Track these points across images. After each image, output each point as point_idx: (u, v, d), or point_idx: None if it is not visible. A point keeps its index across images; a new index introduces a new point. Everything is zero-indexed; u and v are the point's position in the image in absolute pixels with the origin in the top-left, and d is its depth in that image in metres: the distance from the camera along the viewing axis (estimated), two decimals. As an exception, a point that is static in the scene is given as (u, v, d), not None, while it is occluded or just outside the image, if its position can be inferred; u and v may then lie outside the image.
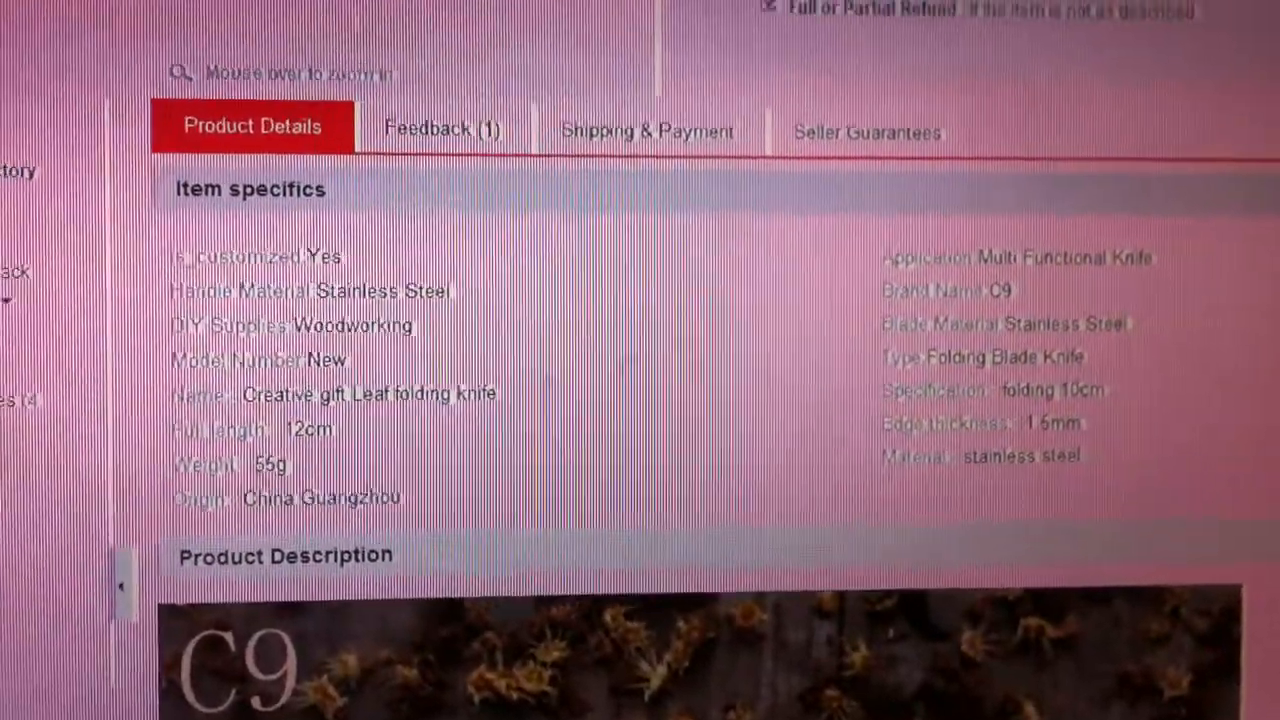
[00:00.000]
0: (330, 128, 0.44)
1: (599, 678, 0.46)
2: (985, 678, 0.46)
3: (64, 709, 0.43)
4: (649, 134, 0.44)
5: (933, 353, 0.46)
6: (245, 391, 0.44)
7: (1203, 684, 0.47)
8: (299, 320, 0.44)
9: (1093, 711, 0.47)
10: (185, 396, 0.44)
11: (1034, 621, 0.46)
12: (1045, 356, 0.46)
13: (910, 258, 0.46)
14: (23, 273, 0.43)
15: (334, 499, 0.44)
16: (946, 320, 0.46)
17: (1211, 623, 0.47)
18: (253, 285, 0.44)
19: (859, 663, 0.46)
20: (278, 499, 0.44)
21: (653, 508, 0.45)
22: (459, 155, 0.44)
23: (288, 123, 0.44)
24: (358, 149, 0.44)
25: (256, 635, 0.44)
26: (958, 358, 0.46)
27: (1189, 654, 0.47)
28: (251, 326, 0.44)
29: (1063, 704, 0.47)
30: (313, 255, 0.44)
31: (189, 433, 0.44)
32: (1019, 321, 0.46)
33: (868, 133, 0.45)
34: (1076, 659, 0.47)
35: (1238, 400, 0.46)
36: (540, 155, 0.44)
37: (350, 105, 0.44)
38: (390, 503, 0.44)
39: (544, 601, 0.45)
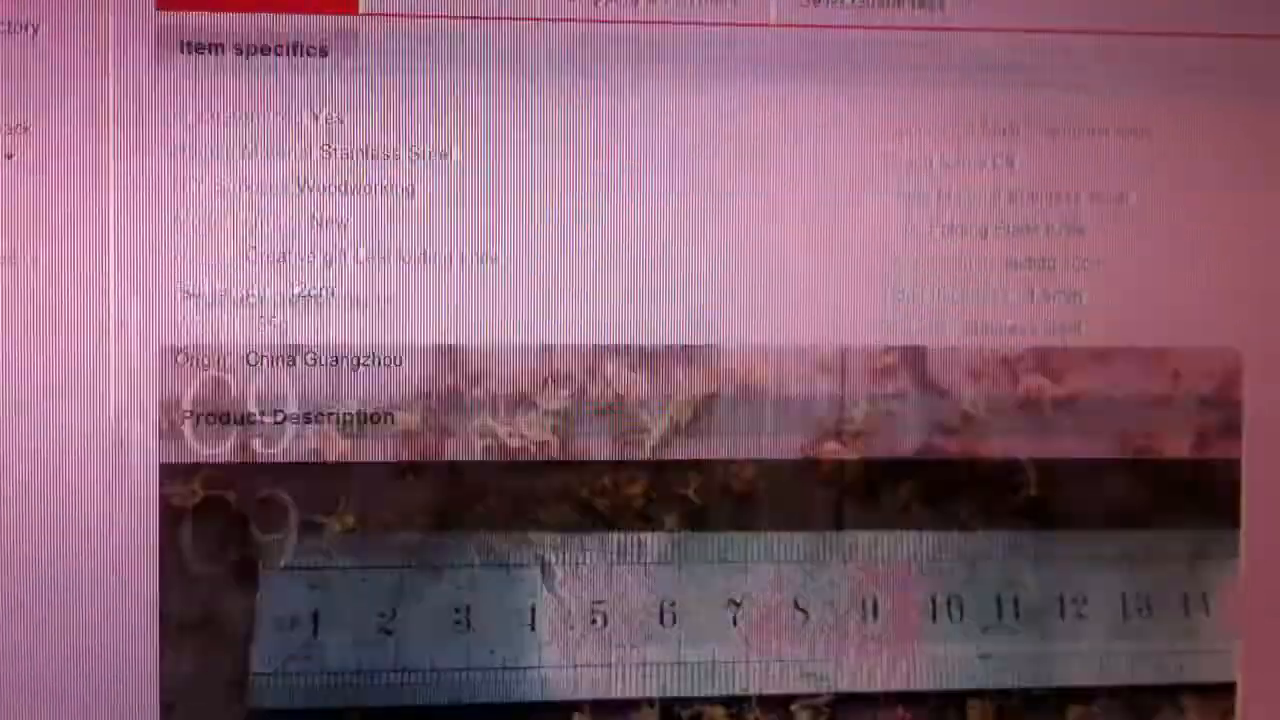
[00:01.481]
0: (335, -12, 0.44)
1: (601, 427, 0.46)
2: (985, 435, 0.47)
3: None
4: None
5: (935, 225, 0.46)
6: (246, 253, 0.44)
7: (1203, 447, 0.47)
8: (301, 181, 0.44)
9: (1091, 471, 0.47)
10: (186, 256, 0.43)
11: (1035, 380, 0.46)
12: (1047, 230, 0.46)
13: (914, 130, 0.46)
14: (25, 129, 0.43)
15: (335, 361, 0.44)
16: (950, 193, 0.46)
17: (1214, 385, 0.47)
18: (255, 146, 0.44)
19: (859, 418, 0.46)
20: (280, 360, 0.44)
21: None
22: (463, 19, 0.44)
23: (293, -18, 0.44)
24: (362, 10, 0.44)
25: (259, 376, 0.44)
26: (960, 230, 0.46)
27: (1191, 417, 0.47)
28: (254, 187, 0.44)
29: (1062, 463, 0.47)
30: (315, 117, 0.44)
31: (190, 292, 0.43)
32: (1021, 193, 0.46)
33: (873, 1, 0.45)
34: (1077, 417, 0.47)
35: (1235, 274, 0.47)
36: (545, 19, 0.44)
37: (355, -35, 0.44)
38: (391, 366, 0.44)
39: (546, 351, 0.45)
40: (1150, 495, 0.47)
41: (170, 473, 0.44)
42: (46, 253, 0.43)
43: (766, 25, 0.45)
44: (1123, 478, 0.47)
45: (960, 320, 0.46)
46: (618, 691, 0.45)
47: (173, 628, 0.44)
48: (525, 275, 0.45)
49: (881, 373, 0.46)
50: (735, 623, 0.46)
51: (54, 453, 0.43)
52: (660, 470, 0.46)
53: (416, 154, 0.44)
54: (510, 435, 0.45)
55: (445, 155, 0.44)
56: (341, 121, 0.44)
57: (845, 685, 0.46)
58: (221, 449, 0.44)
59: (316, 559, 0.45)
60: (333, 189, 0.44)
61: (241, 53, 0.44)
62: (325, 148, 0.44)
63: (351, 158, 0.44)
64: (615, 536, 0.46)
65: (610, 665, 0.45)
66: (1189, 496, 0.48)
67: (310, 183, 0.44)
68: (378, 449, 0.45)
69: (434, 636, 0.45)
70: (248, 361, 0.44)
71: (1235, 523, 0.47)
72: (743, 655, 0.46)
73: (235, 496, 0.44)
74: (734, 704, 0.46)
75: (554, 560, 0.45)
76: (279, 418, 0.44)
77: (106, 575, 0.44)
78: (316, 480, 0.45)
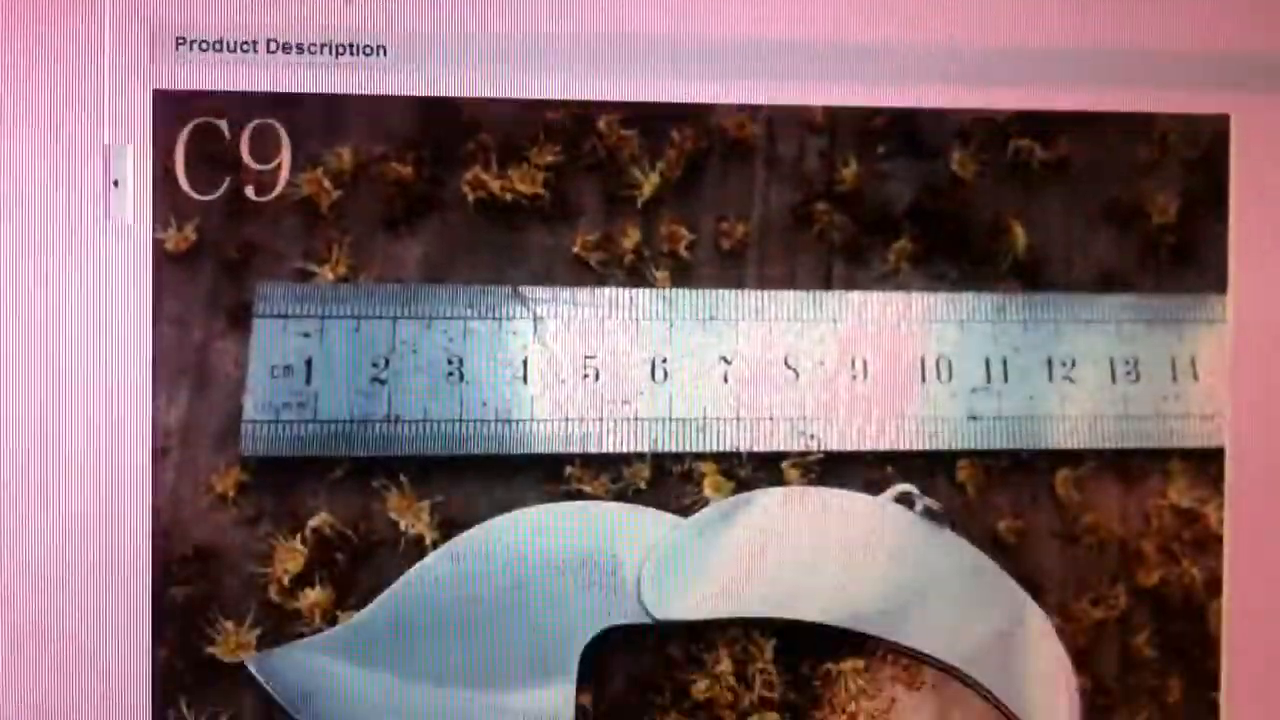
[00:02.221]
0: None
1: (592, 183, 0.46)
2: (974, 197, 0.47)
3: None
4: None
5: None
6: None
7: (1190, 212, 0.48)
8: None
9: (1080, 235, 0.47)
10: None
11: (1025, 143, 0.47)
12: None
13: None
14: None
15: (328, 107, 0.44)
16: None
17: (1201, 151, 0.47)
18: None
19: (850, 178, 0.46)
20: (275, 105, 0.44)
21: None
22: None
23: None
24: None
25: (251, 125, 0.44)
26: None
27: (1178, 181, 0.48)
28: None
29: (1051, 226, 0.47)
30: None
31: (184, 38, 0.44)
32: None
33: None
34: (1066, 181, 0.47)
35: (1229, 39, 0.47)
36: None
37: None
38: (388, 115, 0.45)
39: (538, 105, 0.45)
40: (1138, 259, 0.48)
41: (163, 217, 0.44)
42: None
43: None
44: (1111, 241, 0.48)
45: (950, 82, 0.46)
46: (609, 445, 0.46)
47: (165, 375, 0.44)
48: (518, 31, 0.45)
49: (871, 134, 0.47)
50: (726, 380, 0.46)
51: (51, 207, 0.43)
52: (652, 226, 0.46)
53: None
54: (502, 188, 0.46)
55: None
56: None
57: (835, 444, 0.46)
58: (214, 195, 0.44)
59: (309, 307, 0.45)
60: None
61: None
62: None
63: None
64: (607, 291, 0.46)
65: (602, 419, 0.46)
66: (1177, 261, 0.48)
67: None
68: (371, 194, 0.45)
69: (427, 387, 0.45)
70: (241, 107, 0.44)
71: (1222, 288, 0.48)
72: (733, 412, 0.46)
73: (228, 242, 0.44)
74: (725, 460, 0.46)
75: (546, 314, 0.46)
76: (273, 164, 0.44)
77: (99, 321, 0.44)
78: (309, 228, 0.45)
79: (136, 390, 0.44)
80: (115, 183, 0.44)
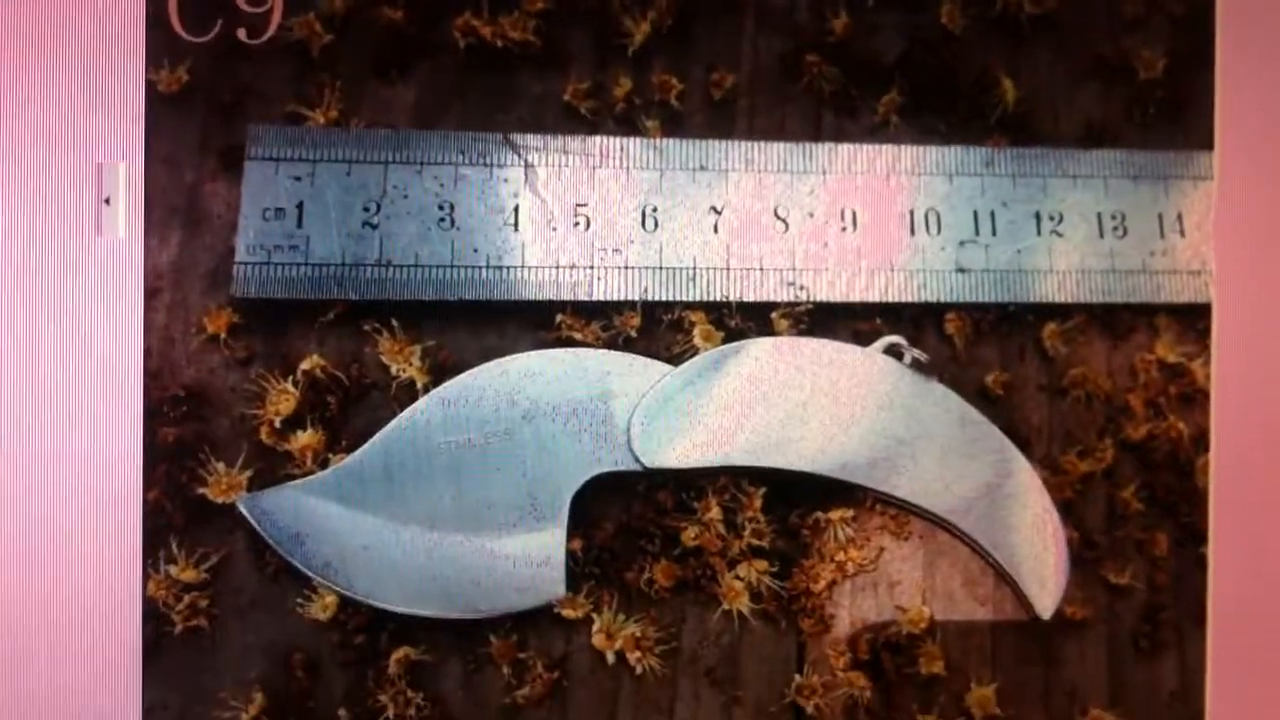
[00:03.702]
0: None
1: (583, 31, 0.46)
2: (963, 50, 0.47)
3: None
4: None
5: None
6: None
7: (1177, 69, 0.48)
8: None
9: (1068, 90, 0.47)
10: None
11: None
12: None
13: None
14: None
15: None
16: None
17: (1187, 7, 0.48)
18: None
19: (840, 29, 0.47)
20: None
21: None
22: None
23: None
24: None
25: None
26: None
27: (1165, 38, 0.48)
28: None
29: (1039, 81, 0.47)
30: None
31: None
32: None
33: None
34: (1055, 36, 0.47)
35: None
36: None
37: None
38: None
39: None
40: (1126, 115, 0.48)
41: (155, 58, 0.44)
42: None
43: None
44: (1098, 97, 0.48)
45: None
46: (600, 293, 0.46)
47: (157, 216, 0.44)
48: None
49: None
50: (716, 230, 0.46)
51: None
52: (643, 75, 0.47)
53: None
54: (493, 35, 0.46)
55: None
56: None
57: (824, 295, 0.47)
58: (206, 37, 0.45)
59: (301, 151, 0.45)
60: None
61: None
62: None
63: None
64: (598, 140, 0.46)
65: (593, 267, 0.46)
66: (1164, 117, 0.48)
67: None
68: (363, 39, 0.45)
69: (418, 232, 0.45)
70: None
71: (1209, 144, 0.48)
72: (723, 262, 0.46)
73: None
74: (714, 310, 0.46)
75: (537, 162, 0.46)
76: (266, 7, 0.45)
77: (92, 161, 0.44)
78: (301, 72, 0.45)
79: (131, 399, 0.44)
80: (107, 200, 0.44)
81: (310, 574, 0.44)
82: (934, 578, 0.47)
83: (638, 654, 0.46)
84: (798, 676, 0.46)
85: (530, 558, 0.45)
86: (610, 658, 0.46)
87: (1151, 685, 0.47)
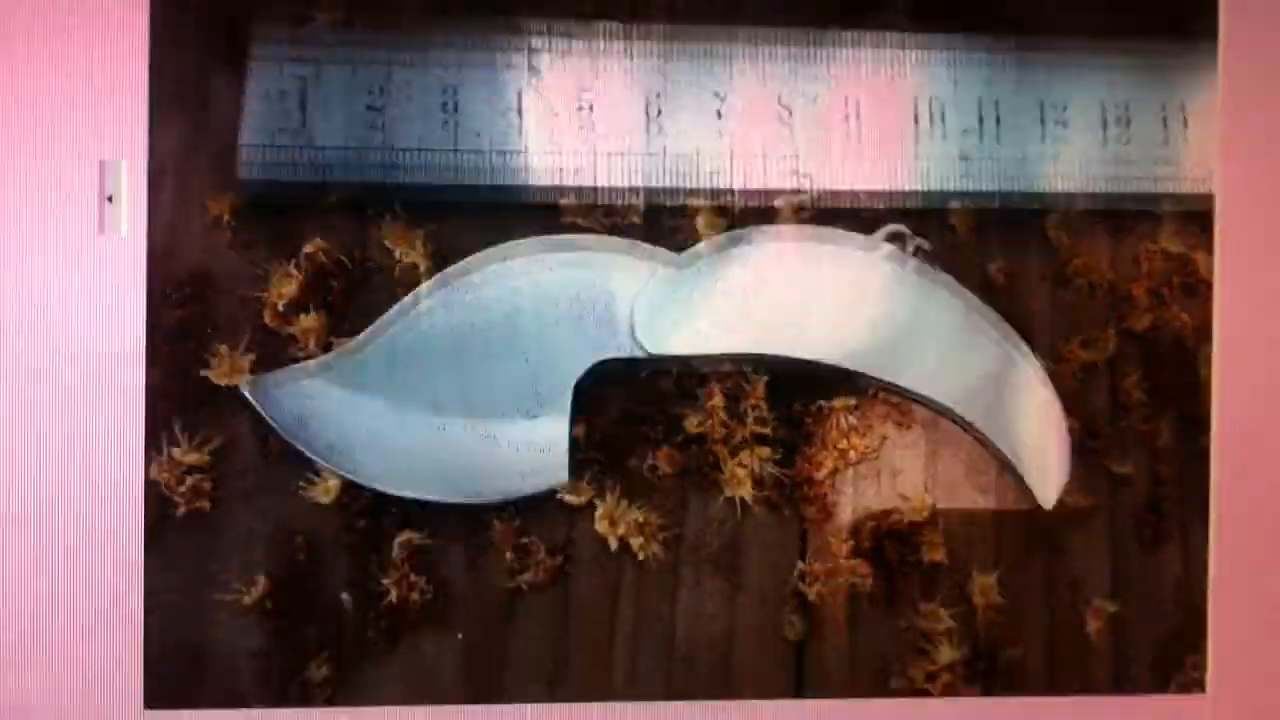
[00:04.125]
0: None
1: None
2: None
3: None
4: None
5: None
6: None
7: None
8: None
9: None
10: None
11: None
12: None
13: None
14: None
15: None
16: None
17: None
18: None
19: None
20: None
21: None
22: None
23: None
24: None
25: None
26: None
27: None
28: None
29: None
30: None
31: None
32: None
33: None
34: None
35: None
36: None
37: None
38: None
39: None
40: (1131, 5, 0.48)
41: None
42: None
43: None
44: (1103, -14, 0.48)
45: None
46: (602, 181, 0.46)
47: (163, 100, 0.44)
48: None
49: None
50: (719, 117, 0.46)
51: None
52: (646, -39, 0.47)
53: None
54: (498, -79, 0.46)
55: None
56: None
57: (827, 184, 0.47)
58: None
59: (307, 41, 0.45)
60: None
61: None
62: None
63: None
64: (602, 26, 0.46)
65: (595, 155, 0.46)
66: (1169, 8, 0.48)
67: None
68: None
69: (422, 118, 0.45)
70: None
71: (1213, 35, 0.48)
72: (726, 150, 0.46)
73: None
74: (717, 198, 0.46)
75: (540, 48, 0.46)
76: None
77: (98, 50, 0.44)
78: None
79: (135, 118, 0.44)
80: (109, 198, 0.44)
81: (313, 457, 0.45)
82: (936, 466, 0.47)
83: (640, 540, 0.46)
84: (800, 564, 0.46)
85: (533, 443, 0.45)
86: (613, 544, 0.46)
87: (1153, 575, 0.47)
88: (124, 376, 0.44)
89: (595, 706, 0.45)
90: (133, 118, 0.43)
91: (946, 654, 0.46)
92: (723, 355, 0.46)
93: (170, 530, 0.44)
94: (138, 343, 0.44)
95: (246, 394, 0.44)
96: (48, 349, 0.43)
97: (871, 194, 0.47)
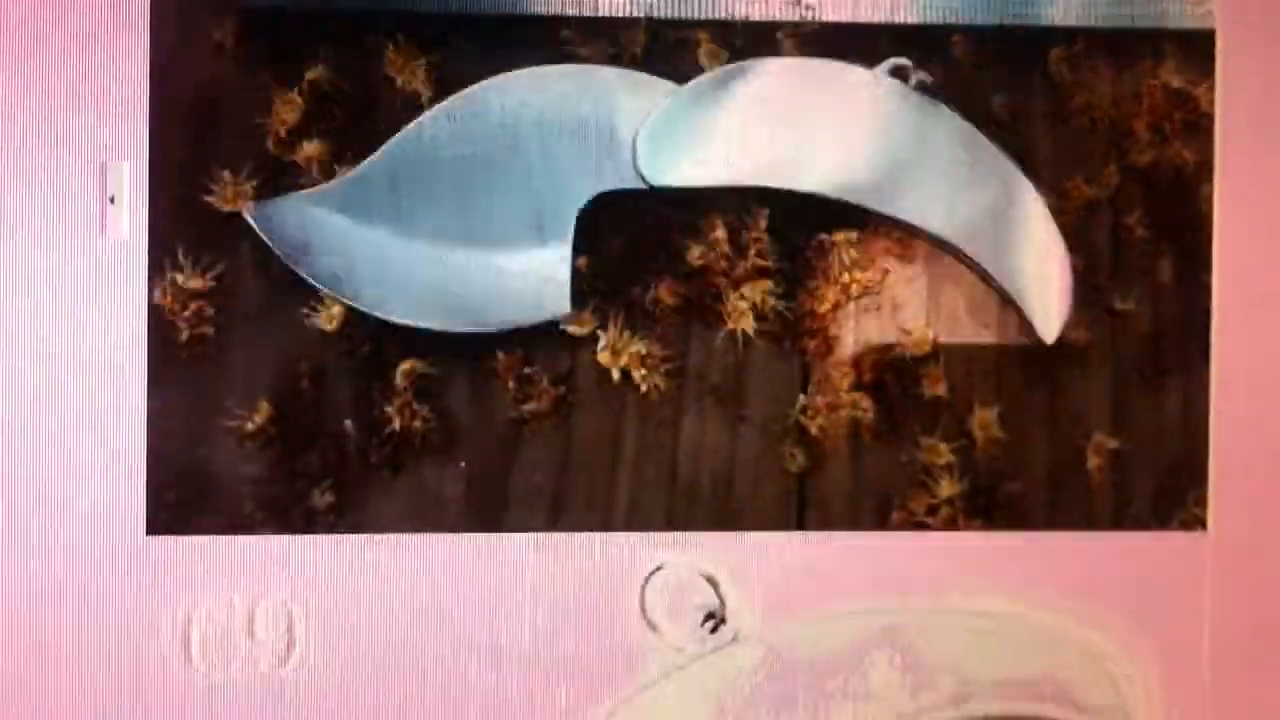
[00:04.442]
0: None
1: None
2: None
3: None
4: None
5: None
6: None
7: None
8: None
9: None
10: None
11: None
12: None
13: None
14: None
15: None
16: None
17: None
18: None
19: None
20: None
21: None
22: None
23: None
24: None
25: None
26: None
27: None
28: None
29: None
30: None
31: None
32: None
33: None
34: None
35: None
36: None
37: None
38: None
39: None
40: None
41: None
42: None
43: None
44: None
45: None
46: (605, 9, 0.46)
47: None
48: None
49: None
50: (722, -52, 0.46)
51: None
52: None
53: None
54: None
55: None
56: None
57: (830, 15, 0.47)
58: None
59: None
60: None
61: None
62: None
63: None
64: None
65: (598, -17, 0.46)
66: None
67: None
68: None
69: (423, -57, 0.45)
70: None
71: None
72: (729, -18, 0.46)
73: None
74: (720, 28, 0.46)
75: (542, -127, 0.46)
76: None
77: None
78: None
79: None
80: (111, 199, 0.43)
81: (316, 285, 0.45)
82: (938, 301, 0.47)
83: (643, 372, 0.46)
84: (802, 397, 0.47)
85: (536, 273, 0.45)
86: (615, 375, 0.46)
87: (1155, 412, 0.48)
88: (127, 197, 0.44)
89: (597, 536, 0.45)
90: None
91: (947, 488, 0.47)
92: (725, 187, 0.46)
93: (173, 355, 0.44)
94: (141, 163, 0.44)
95: (250, 220, 0.44)
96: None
97: (874, 26, 0.47)
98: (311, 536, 0.44)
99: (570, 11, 0.46)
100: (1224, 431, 0.47)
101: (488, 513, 0.45)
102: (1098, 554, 0.47)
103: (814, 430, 0.46)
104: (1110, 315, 0.48)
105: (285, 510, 0.45)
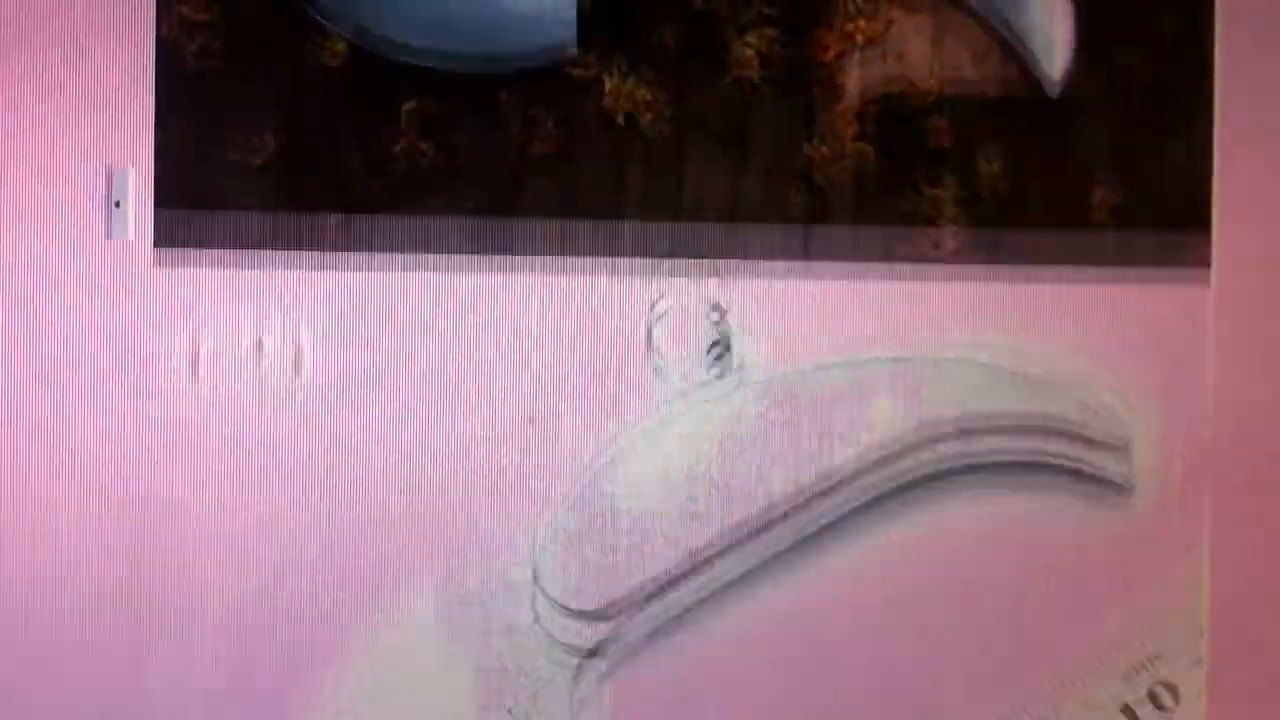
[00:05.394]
0: None
1: None
2: None
3: None
4: None
5: None
6: None
7: None
8: None
9: None
10: None
11: None
12: None
13: None
14: None
15: None
16: None
17: None
18: None
19: None
20: None
21: None
22: None
23: None
24: None
25: None
26: None
27: None
28: None
29: None
30: None
31: None
32: None
33: None
34: None
35: None
36: None
37: None
38: None
39: None
40: None
41: None
42: None
43: None
44: None
45: None
46: None
47: None
48: None
49: None
50: None
51: None
52: None
53: None
54: None
55: None
56: None
57: None
58: None
59: None
60: None
61: None
62: None
63: None
64: None
65: None
66: None
67: None
68: None
69: None
70: None
71: None
72: None
73: None
74: None
75: None
76: None
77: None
78: None
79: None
80: (116, 204, 0.44)
81: (322, 21, 0.45)
82: (942, 50, 0.47)
83: (649, 117, 0.46)
84: (806, 145, 0.47)
85: (543, 12, 0.45)
86: (620, 119, 0.46)
87: (1158, 161, 0.48)
88: None
89: (603, 261, 0.45)
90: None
91: (951, 234, 0.47)
92: (730, -67, 0.46)
93: (180, 88, 0.44)
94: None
95: (255, -52, 0.45)
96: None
97: None
98: (319, 253, 0.44)
99: None
100: (1228, 179, 0.47)
101: (494, 247, 0.45)
102: (1101, 295, 0.47)
103: (819, 180, 0.47)
104: (1113, 69, 0.48)
105: (293, 231, 0.45)
